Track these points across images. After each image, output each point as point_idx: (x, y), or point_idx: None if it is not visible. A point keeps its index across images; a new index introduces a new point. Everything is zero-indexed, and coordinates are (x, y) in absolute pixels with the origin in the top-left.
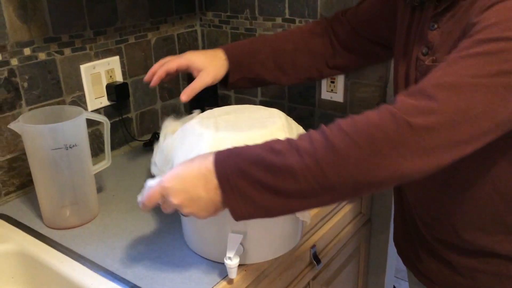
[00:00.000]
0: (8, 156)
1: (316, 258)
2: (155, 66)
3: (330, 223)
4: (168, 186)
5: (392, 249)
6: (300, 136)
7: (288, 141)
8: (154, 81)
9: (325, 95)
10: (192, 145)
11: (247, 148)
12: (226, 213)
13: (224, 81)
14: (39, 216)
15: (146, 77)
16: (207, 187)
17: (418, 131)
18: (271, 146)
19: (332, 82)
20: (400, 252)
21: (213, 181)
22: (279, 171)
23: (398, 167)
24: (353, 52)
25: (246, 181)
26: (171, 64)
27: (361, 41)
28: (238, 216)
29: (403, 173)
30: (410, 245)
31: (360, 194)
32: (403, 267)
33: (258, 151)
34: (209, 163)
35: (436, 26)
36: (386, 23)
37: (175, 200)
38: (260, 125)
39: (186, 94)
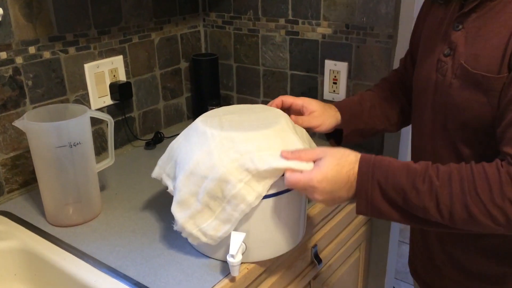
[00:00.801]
0: (12, 154)
1: (317, 257)
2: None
3: (331, 223)
4: (317, 186)
5: (392, 250)
6: (442, 181)
7: (431, 183)
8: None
9: (328, 95)
10: (197, 144)
11: (392, 168)
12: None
13: (334, 137)
14: (42, 213)
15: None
16: (349, 191)
17: None
18: (414, 182)
19: (335, 83)
20: (412, 271)
21: (355, 185)
22: (415, 207)
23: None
24: None
25: (382, 197)
26: (288, 98)
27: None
28: (359, 213)
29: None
30: (417, 258)
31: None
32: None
33: (403, 181)
34: (356, 170)
35: (460, 26)
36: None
37: (319, 197)
38: (264, 125)
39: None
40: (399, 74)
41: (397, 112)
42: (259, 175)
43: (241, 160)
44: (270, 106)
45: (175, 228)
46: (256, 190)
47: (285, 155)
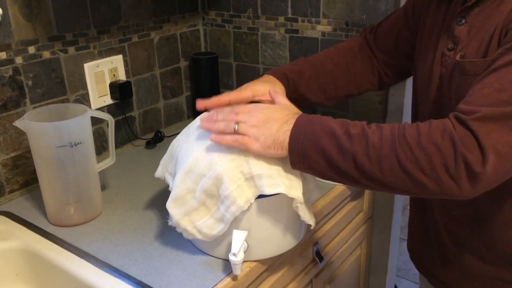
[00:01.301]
0: (12, 154)
1: (318, 255)
2: (223, 96)
3: (333, 220)
4: (257, 106)
5: (394, 247)
6: (374, 128)
7: (363, 128)
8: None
9: None
10: (197, 142)
11: (328, 119)
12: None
13: None
14: (44, 213)
15: (210, 104)
16: (282, 126)
17: (475, 178)
18: (347, 129)
19: None
20: (415, 259)
21: (290, 126)
22: (345, 152)
23: (450, 192)
24: (389, 69)
25: (313, 145)
26: (234, 96)
27: (391, 61)
28: (292, 165)
29: (451, 196)
30: (429, 251)
31: (405, 195)
32: (404, 265)
33: (336, 127)
34: (297, 113)
35: (463, 21)
36: (414, 34)
37: (253, 118)
38: None
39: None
40: (362, 47)
41: (336, 87)
42: (252, 179)
43: (238, 161)
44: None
45: (169, 223)
46: (245, 194)
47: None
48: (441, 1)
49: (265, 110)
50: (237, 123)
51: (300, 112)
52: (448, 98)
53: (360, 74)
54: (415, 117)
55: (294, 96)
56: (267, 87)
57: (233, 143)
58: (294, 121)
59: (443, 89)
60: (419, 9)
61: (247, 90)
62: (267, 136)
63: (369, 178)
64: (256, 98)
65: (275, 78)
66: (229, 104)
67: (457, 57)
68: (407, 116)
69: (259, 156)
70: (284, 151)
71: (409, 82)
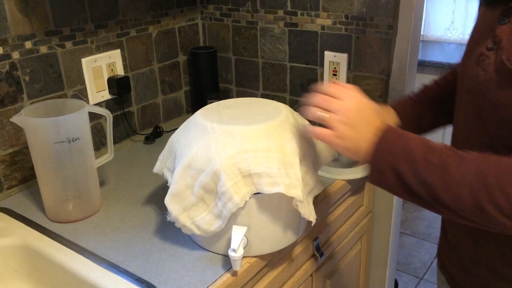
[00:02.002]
0: (10, 150)
1: (318, 250)
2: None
3: (333, 215)
4: (345, 105)
5: (394, 241)
6: (455, 158)
7: (444, 158)
8: None
9: None
10: (196, 137)
11: (410, 139)
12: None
13: None
14: (42, 209)
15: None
16: (368, 135)
17: None
18: (427, 155)
19: (334, 74)
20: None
21: (372, 137)
22: (423, 182)
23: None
24: None
25: (390, 166)
26: None
27: None
28: (370, 181)
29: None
30: (446, 253)
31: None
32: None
33: (416, 151)
34: (381, 122)
35: (506, 20)
36: None
37: (345, 112)
38: (265, 118)
39: None
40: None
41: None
42: (250, 177)
43: (237, 158)
44: None
45: (168, 218)
46: (241, 192)
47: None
48: (488, 3)
49: (360, 106)
50: (328, 112)
51: (384, 120)
52: (484, 100)
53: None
54: (454, 124)
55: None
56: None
57: (315, 136)
58: (379, 132)
59: (480, 91)
60: None
61: None
62: (352, 138)
63: (443, 206)
64: None
65: (394, 116)
66: None
67: (503, 59)
68: None
69: (259, 154)
70: (360, 158)
71: (410, 74)
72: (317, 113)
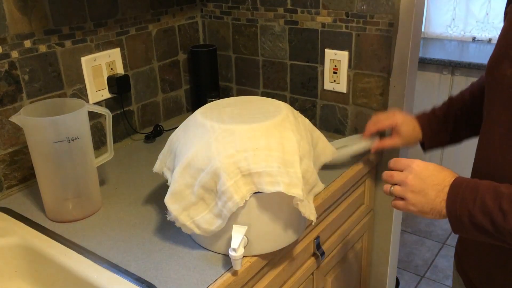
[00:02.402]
0: (10, 150)
1: (319, 249)
2: (370, 125)
3: (333, 214)
4: (415, 169)
5: (395, 239)
6: None
7: None
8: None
9: (328, 85)
10: (196, 136)
11: (482, 190)
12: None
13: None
14: (42, 209)
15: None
16: (439, 194)
17: None
18: (500, 204)
19: (335, 72)
20: (455, 255)
21: (445, 196)
22: (500, 230)
23: None
24: None
25: (469, 220)
26: (383, 125)
27: None
28: (453, 231)
29: None
30: (465, 255)
31: None
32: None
33: (489, 202)
34: (450, 178)
35: None
36: None
37: (410, 191)
38: (264, 117)
39: (375, 149)
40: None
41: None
42: (250, 176)
43: (237, 157)
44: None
45: (168, 218)
46: (241, 191)
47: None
48: None
49: (421, 173)
50: (393, 185)
51: (454, 175)
52: None
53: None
54: (485, 133)
55: (437, 146)
56: (408, 132)
57: (394, 207)
58: (449, 189)
59: None
60: None
61: (395, 120)
62: (424, 203)
63: None
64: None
65: (419, 129)
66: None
67: None
68: (408, 108)
69: (259, 153)
70: (441, 217)
71: (411, 72)
72: (388, 189)
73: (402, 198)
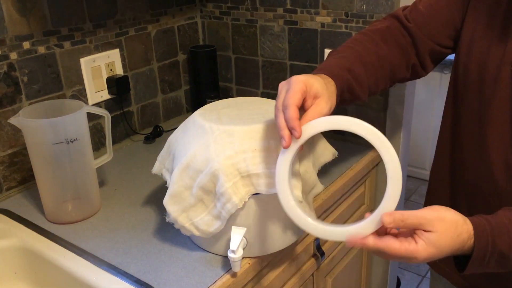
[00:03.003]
0: (9, 151)
1: (319, 250)
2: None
3: (334, 215)
4: (418, 261)
5: None
6: None
7: None
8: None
9: None
10: (195, 138)
11: (503, 235)
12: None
13: None
14: (41, 211)
15: (298, 133)
16: (456, 248)
17: None
18: None
19: None
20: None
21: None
22: None
23: None
24: (424, 63)
25: (498, 265)
26: (295, 97)
27: (437, 49)
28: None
29: None
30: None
31: None
32: None
33: (505, 250)
34: (471, 243)
35: None
36: (455, 21)
37: (421, 260)
38: (264, 118)
39: (298, 132)
40: (401, 33)
41: (377, 82)
42: (249, 178)
43: (235, 158)
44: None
45: (167, 219)
46: (240, 193)
47: (386, 219)
48: None
49: (436, 244)
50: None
51: (466, 240)
52: None
53: (398, 66)
54: (454, 124)
55: (344, 97)
56: (321, 86)
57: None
58: (470, 243)
59: None
60: None
61: (300, 83)
62: (440, 256)
63: None
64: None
65: (331, 81)
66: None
67: None
68: (408, 107)
69: (257, 154)
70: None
71: None
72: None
73: None
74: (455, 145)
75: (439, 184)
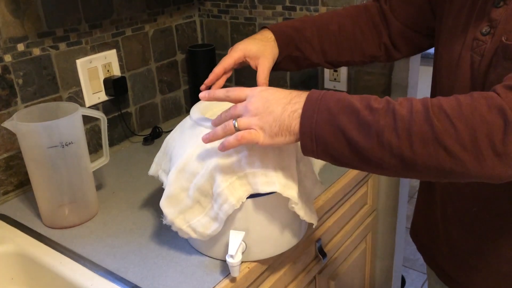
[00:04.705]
0: (5, 155)
1: (321, 251)
2: (215, 69)
3: (335, 216)
4: (254, 92)
5: (399, 238)
6: (401, 101)
7: (387, 101)
8: (216, 84)
9: (328, 84)
10: (190, 139)
11: (344, 95)
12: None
13: None
14: (38, 215)
15: (208, 81)
16: (286, 107)
17: None
18: (368, 102)
19: (335, 70)
20: (421, 250)
21: (296, 106)
22: (368, 129)
23: (491, 171)
24: (397, 46)
25: (329, 124)
26: (227, 61)
27: (408, 33)
28: (304, 150)
29: (490, 176)
30: (436, 244)
31: (433, 178)
32: (412, 255)
33: (355, 101)
34: (302, 92)
35: (502, 3)
36: (432, 10)
37: (250, 106)
38: None
39: (262, 83)
40: (374, 13)
41: (338, 50)
42: (246, 177)
43: (231, 158)
44: (212, 82)
45: (164, 222)
46: (237, 193)
47: (205, 95)
48: None
49: (262, 93)
50: (235, 118)
51: (302, 92)
52: (482, 86)
53: (367, 42)
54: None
55: (293, 54)
56: (259, 46)
57: (238, 143)
58: (301, 100)
59: (475, 77)
60: None
61: (238, 51)
62: (271, 122)
63: (397, 158)
64: (247, 60)
65: (271, 35)
66: (224, 72)
67: (503, 39)
68: (412, 91)
69: (254, 153)
70: (293, 136)
71: (413, 68)
72: (232, 127)
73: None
74: None
75: None
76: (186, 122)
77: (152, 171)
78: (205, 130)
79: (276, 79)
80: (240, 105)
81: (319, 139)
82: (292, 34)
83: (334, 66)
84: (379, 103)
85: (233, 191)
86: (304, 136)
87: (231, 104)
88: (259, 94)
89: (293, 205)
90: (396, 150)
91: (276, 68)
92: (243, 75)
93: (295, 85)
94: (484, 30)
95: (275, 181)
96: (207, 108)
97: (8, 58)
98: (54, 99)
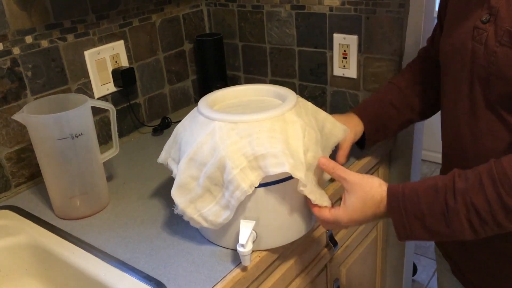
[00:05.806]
0: (16, 147)
1: (332, 240)
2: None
3: None
4: (344, 226)
5: None
6: (473, 187)
7: (463, 196)
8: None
9: (338, 71)
10: (201, 127)
11: (422, 195)
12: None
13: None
14: (50, 207)
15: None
16: (377, 219)
17: None
18: (446, 200)
19: (345, 57)
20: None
21: (381, 214)
22: (458, 224)
23: None
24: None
25: (423, 229)
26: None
27: None
28: (401, 239)
29: None
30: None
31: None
32: (423, 243)
33: (437, 206)
34: (383, 207)
35: None
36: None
37: (341, 224)
38: (269, 107)
39: (342, 157)
40: (425, 55)
41: (422, 99)
42: (256, 160)
43: (240, 143)
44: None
45: (176, 211)
46: (249, 178)
47: (323, 162)
48: None
49: (352, 217)
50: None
51: (378, 202)
52: (484, 75)
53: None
54: (447, 107)
55: (382, 126)
56: (344, 123)
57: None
58: (384, 211)
59: (481, 67)
60: None
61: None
62: (362, 222)
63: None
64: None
65: (356, 117)
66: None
67: (507, 26)
68: None
69: (262, 135)
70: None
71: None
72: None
73: None
74: (442, 121)
75: (444, 159)
76: (196, 111)
77: (161, 158)
78: (214, 119)
79: (285, 67)
80: (336, 226)
81: (417, 238)
82: (376, 107)
83: (428, 114)
84: (454, 202)
85: (244, 177)
86: (400, 234)
87: (243, 98)
88: (351, 219)
89: (302, 188)
90: (481, 234)
91: (368, 143)
92: (251, 63)
93: (304, 75)
94: (484, 18)
95: (284, 162)
96: (215, 101)
97: (16, 50)
98: (63, 91)
